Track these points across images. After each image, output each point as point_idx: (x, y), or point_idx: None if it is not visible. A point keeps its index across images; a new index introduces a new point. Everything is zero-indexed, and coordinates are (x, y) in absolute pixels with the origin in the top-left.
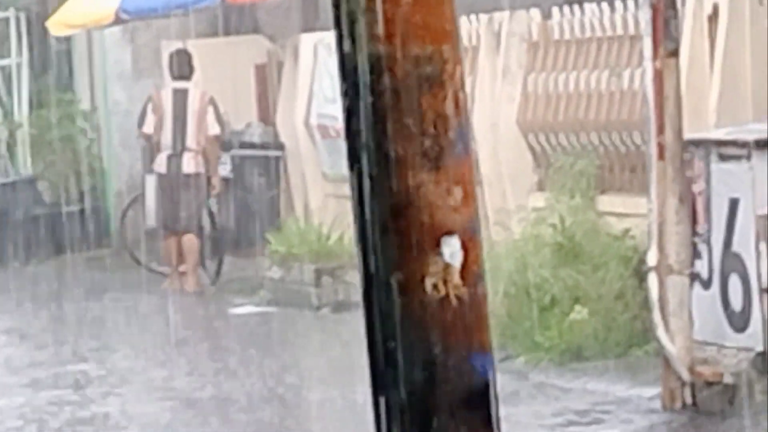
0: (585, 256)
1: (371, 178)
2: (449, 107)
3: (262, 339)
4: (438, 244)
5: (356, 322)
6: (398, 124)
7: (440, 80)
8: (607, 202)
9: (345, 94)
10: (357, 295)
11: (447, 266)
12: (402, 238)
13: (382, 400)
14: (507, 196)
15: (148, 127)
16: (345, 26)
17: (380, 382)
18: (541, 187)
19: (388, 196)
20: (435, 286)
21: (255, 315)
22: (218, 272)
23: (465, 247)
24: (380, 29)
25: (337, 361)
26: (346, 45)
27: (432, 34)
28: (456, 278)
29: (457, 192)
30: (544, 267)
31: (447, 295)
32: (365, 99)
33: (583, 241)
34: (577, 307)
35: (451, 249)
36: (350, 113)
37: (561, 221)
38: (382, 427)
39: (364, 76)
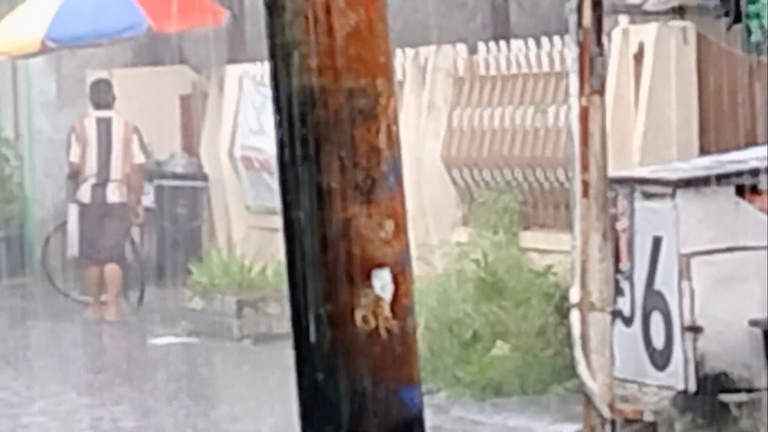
0: (507, 291)
1: (303, 209)
2: (382, 140)
3: (182, 370)
4: (369, 277)
5: (278, 354)
6: (331, 156)
7: (374, 113)
8: (530, 239)
9: (278, 125)
10: (279, 328)
11: (377, 299)
12: (333, 270)
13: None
14: (430, 231)
15: (73, 156)
16: (280, 57)
17: (309, 413)
18: (464, 222)
19: (319, 228)
20: (365, 319)
21: (176, 345)
22: (140, 302)
23: (396, 281)
24: (314, 61)
25: (258, 392)
26: (281, 76)
27: (366, 67)
28: (386, 311)
29: (389, 225)
30: (467, 302)
31: (377, 328)
32: (298, 131)
33: (505, 276)
34: (499, 343)
35: (382, 282)
36: (283, 145)
37: (484, 257)
38: None
39: (297, 108)
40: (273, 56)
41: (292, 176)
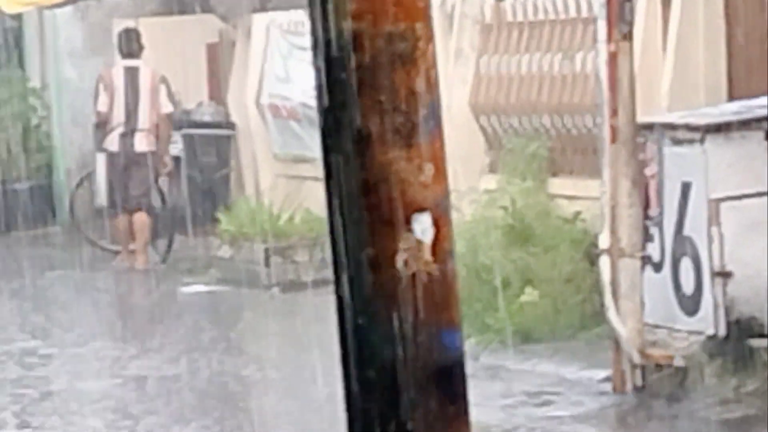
0: (536, 238)
1: (343, 154)
2: (421, 84)
3: (211, 318)
4: (409, 221)
5: (306, 301)
6: (371, 100)
7: (413, 57)
8: (558, 185)
9: (317, 70)
10: (307, 275)
11: (418, 243)
12: (373, 214)
13: (352, 376)
14: (458, 178)
15: (101, 106)
16: (317, 2)
17: (350, 358)
18: (492, 169)
19: (360, 172)
20: (406, 263)
21: (204, 294)
22: (168, 251)
23: (436, 224)
24: (353, 5)
25: (286, 339)
26: (318, 21)
27: (405, 10)
28: (427, 255)
29: (429, 169)
30: (495, 249)
31: (417, 272)
32: (338, 75)
33: (534, 223)
34: (528, 289)
35: (422, 226)
36: (322, 90)
37: (512, 203)
38: (352, 402)
39: (336, 53)
40: (311, 1)
41: (331, 121)
